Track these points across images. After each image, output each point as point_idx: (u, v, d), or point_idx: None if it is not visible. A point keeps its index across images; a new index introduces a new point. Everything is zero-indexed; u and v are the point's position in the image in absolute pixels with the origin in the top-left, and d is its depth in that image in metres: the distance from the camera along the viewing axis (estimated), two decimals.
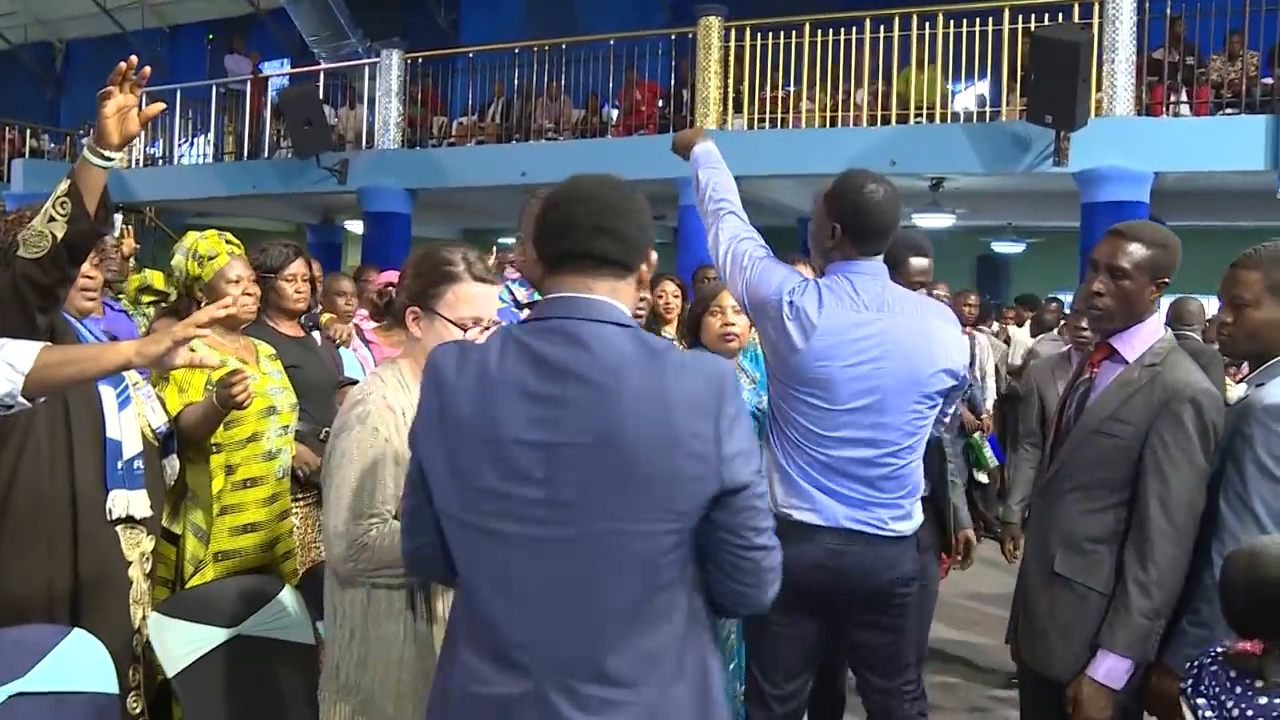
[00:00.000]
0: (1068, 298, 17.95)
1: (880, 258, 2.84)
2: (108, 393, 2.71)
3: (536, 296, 2.81)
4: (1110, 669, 2.48)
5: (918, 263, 3.58)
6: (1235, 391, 2.55)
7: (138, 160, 15.17)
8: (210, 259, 3.30)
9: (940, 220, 12.10)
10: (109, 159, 2.41)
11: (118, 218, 7.97)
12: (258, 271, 3.97)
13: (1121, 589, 2.48)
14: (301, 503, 3.68)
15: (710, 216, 3.01)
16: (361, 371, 5.25)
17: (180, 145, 15.32)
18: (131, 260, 6.29)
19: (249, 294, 3.37)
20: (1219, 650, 2.17)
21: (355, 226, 14.94)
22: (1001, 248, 16.54)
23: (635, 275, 1.77)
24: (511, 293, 2.82)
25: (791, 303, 2.73)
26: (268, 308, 4.00)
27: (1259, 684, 2.04)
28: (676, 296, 5.94)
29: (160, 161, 15.50)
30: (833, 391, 2.71)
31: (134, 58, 2.37)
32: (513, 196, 13.05)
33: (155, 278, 3.28)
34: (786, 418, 2.79)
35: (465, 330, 2.33)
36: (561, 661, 1.67)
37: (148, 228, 15.62)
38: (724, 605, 1.77)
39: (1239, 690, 2.06)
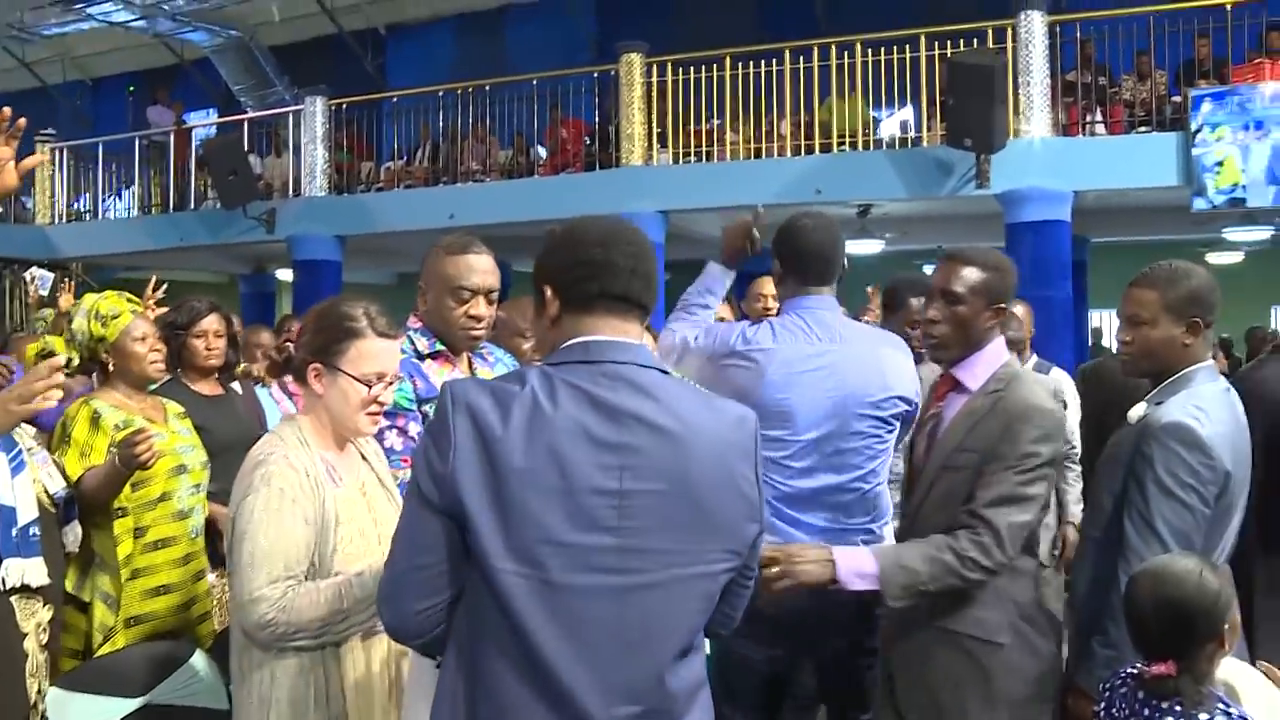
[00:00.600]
0: None
1: (829, 290, 2.91)
2: None
3: (439, 346, 2.78)
4: None
5: (917, 303, 3.71)
6: (1135, 411, 2.56)
7: (61, 215, 14.93)
8: (113, 318, 3.24)
9: (870, 246, 12.22)
10: None
11: (48, 276, 7.78)
12: (168, 329, 3.92)
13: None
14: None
15: (684, 310, 3.11)
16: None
17: (105, 199, 15.11)
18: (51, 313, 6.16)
19: (156, 350, 3.31)
20: (1129, 671, 2.17)
21: (288, 275, 14.78)
22: (930, 269, 16.72)
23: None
24: (413, 343, 2.78)
25: (744, 337, 2.83)
26: (182, 365, 3.94)
27: (1166, 704, 2.04)
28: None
29: (86, 215, 15.26)
30: (793, 423, 2.75)
31: (7, 109, 2.31)
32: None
33: (56, 343, 3.20)
34: None
35: (370, 386, 2.31)
36: (626, 695, 1.66)
37: (76, 283, 15.33)
38: (707, 628, 1.83)
39: (1147, 713, 2.06)
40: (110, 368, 3.26)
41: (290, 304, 14.21)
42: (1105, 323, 16.00)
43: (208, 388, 4.01)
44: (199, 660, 2.83)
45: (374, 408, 2.34)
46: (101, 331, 3.23)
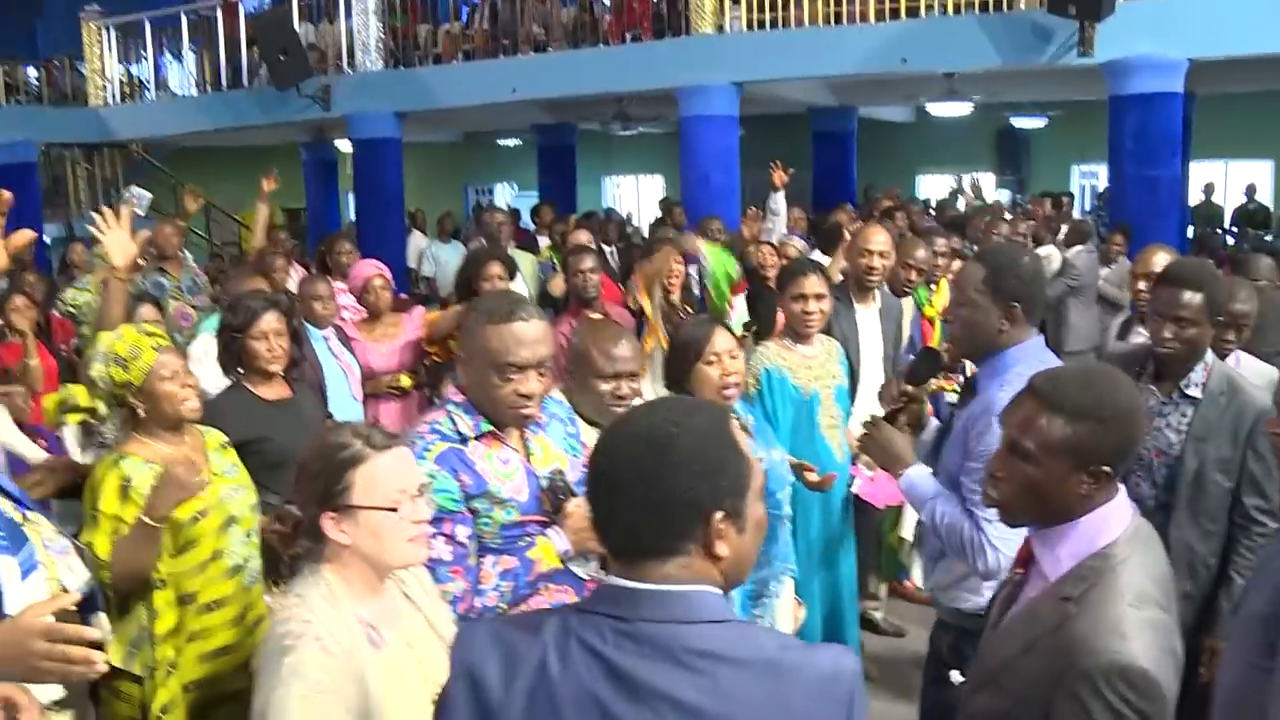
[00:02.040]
0: (1095, 178, 17.43)
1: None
2: (6, 563, 2.36)
3: (485, 426, 2.42)
4: None
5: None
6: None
7: (115, 96, 14.55)
8: (134, 359, 2.90)
9: (958, 109, 11.47)
10: None
11: (146, 195, 7.48)
12: (224, 331, 3.68)
13: None
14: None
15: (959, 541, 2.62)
16: (344, 378, 4.91)
17: (164, 68, 14.68)
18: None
19: (188, 386, 2.99)
20: None
21: (349, 146, 14.36)
22: (1021, 122, 15.80)
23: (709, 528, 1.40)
24: (454, 423, 2.42)
25: None
26: (244, 368, 3.68)
27: None
28: (679, 263, 5.54)
29: (141, 86, 14.88)
30: None
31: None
32: (509, 107, 12.52)
33: (79, 394, 2.90)
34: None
35: (398, 510, 1.97)
36: None
37: (136, 162, 15.11)
38: None
39: None
40: (141, 412, 2.95)
41: (352, 177, 13.77)
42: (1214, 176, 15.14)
43: (272, 391, 3.73)
44: None
45: (414, 530, 2.02)
46: (124, 376, 2.90)
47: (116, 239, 3.44)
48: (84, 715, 2.54)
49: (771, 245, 6.78)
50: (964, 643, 2.63)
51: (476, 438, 2.42)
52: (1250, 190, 14.40)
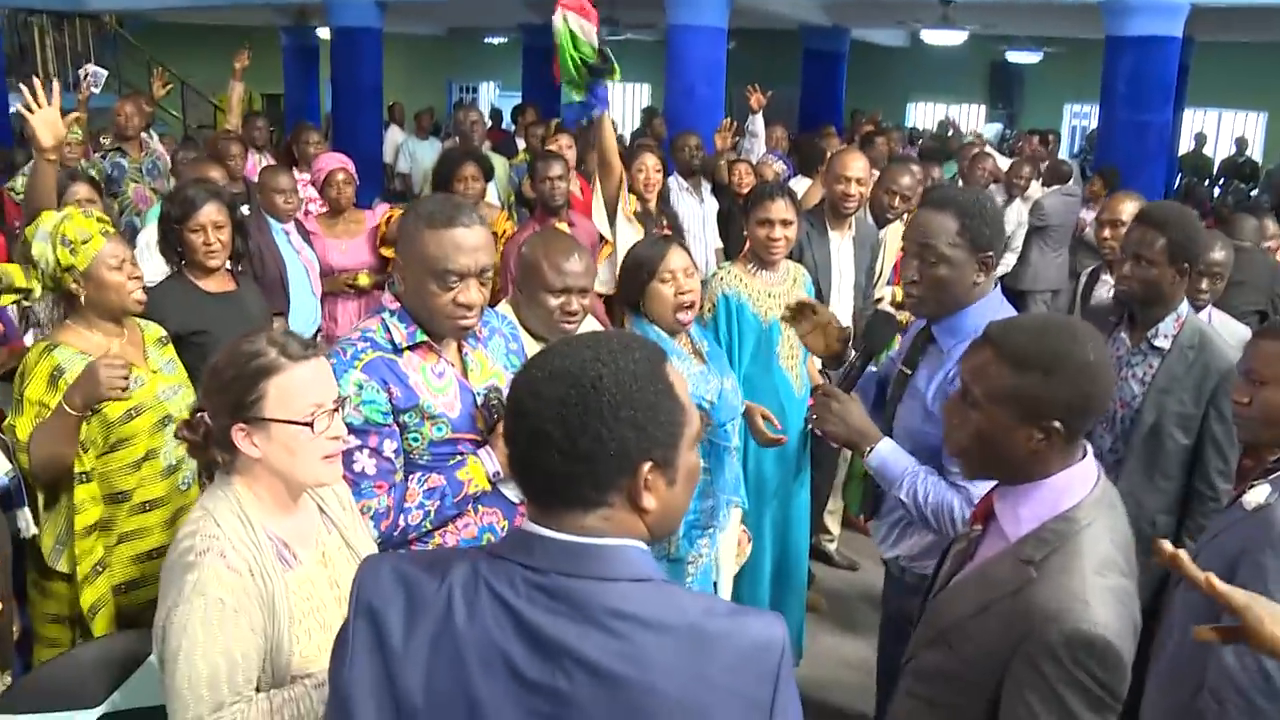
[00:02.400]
0: (1087, 119, 17.19)
1: None
2: None
3: (420, 337, 2.32)
4: None
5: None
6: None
7: None
8: (83, 243, 2.76)
9: (953, 37, 11.22)
10: None
11: (101, 73, 7.15)
12: (165, 222, 3.56)
13: None
14: None
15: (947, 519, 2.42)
16: (305, 274, 4.76)
17: None
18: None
19: (135, 278, 2.86)
20: None
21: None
22: (1016, 57, 15.52)
23: (636, 480, 1.29)
24: (388, 331, 2.31)
25: None
26: (186, 260, 3.58)
27: None
28: (658, 171, 5.40)
29: None
30: None
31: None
32: (495, 1, 12.13)
33: (14, 273, 2.74)
34: None
35: (312, 426, 1.87)
36: None
37: (108, 35, 14.65)
38: None
39: None
40: (82, 299, 2.81)
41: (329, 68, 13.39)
42: (1207, 125, 14.97)
43: (214, 284, 3.60)
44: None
45: (329, 447, 1.92)
46: (70, 259, 2.75)
47: (44, 118, 3.28)
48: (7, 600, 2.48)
49: (748, 164, 6.62)
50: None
51: (410, 348, 2.31)
52: (1240, 144, 14.30)
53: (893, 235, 5.01)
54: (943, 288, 2.48)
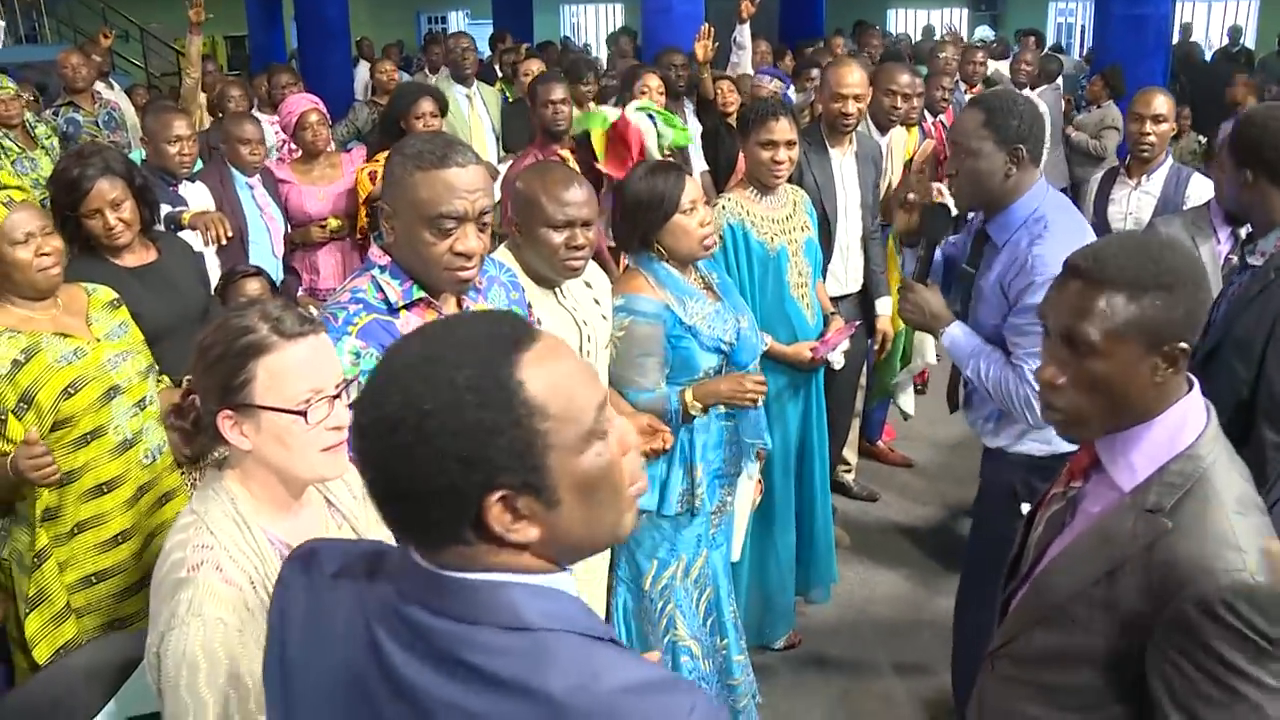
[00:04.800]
0: (1072, 15, 16.76)
1: None
2: None
3: (417, 293, 2.08)
4: None
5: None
6: None
7: None
8: None
9: None
10: None
11: None
12: (58, 211, 3.06)
13: None
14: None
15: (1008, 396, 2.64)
16: (266, 233, 4.47)
17: None
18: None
19: (46, 254, 2.56)
20: None
21: None
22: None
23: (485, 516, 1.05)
24: (381, 290, 2.07)
25: None
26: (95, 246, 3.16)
27: None
28: (662, 94, 5.07)
29: None
30: None
31: None
32: None
33: None
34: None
35: (306, 415, 1.64)
36: None
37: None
38: None
39: None
40: None
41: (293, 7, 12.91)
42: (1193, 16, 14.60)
43: (133, 258, 3.19)
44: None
45: (329, 438, 1.69)
46: None
47: None
48: None
49: (730, 80, 6.29)
50: (1034, 478, 2.62)
51: (407, 306, 2.06)
52: (1234, 33, 13.96)
53: (897, 140, 4.76)
54: (975, 180, 2.64)
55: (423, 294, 2.08)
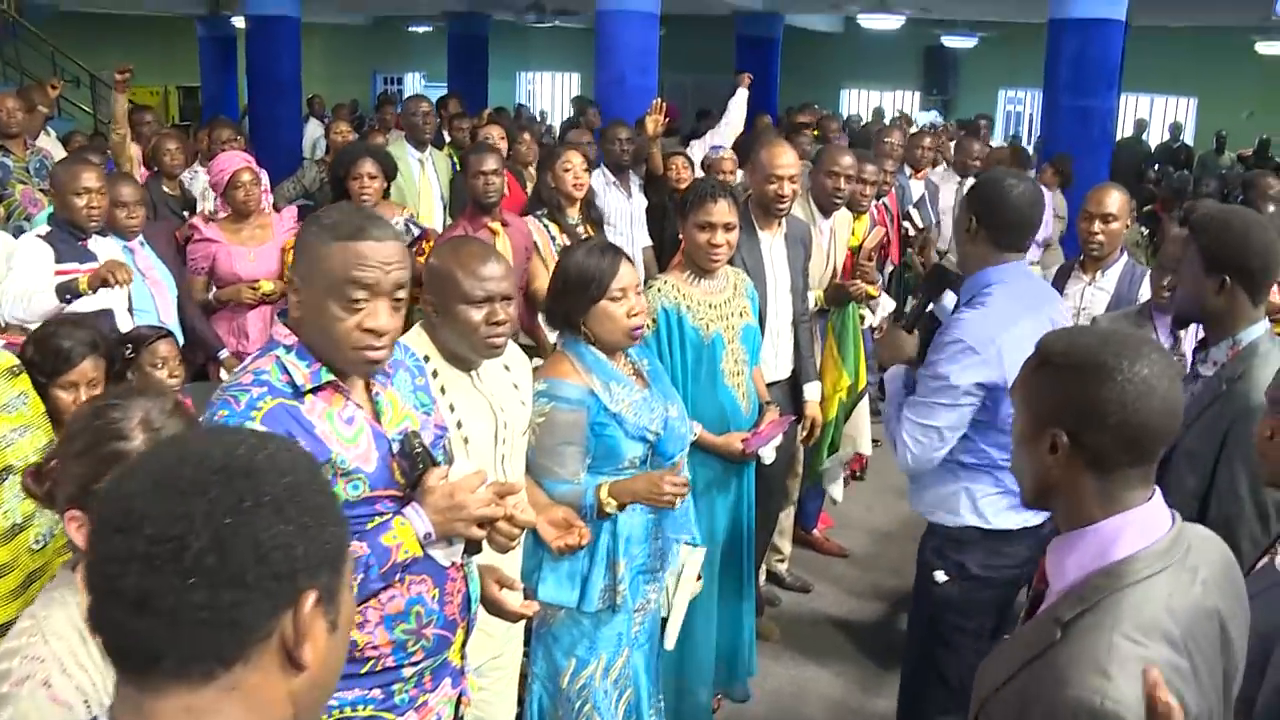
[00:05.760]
0: (1021, 104, 17.13)
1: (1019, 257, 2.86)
2: None
3: (326, 376, 1.94)
4: None
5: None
6: None
7: None
8: None
9: (889, 22, 11.00)
10: None
11: None
12: (32, 371, 2.74)
13: None
14: None
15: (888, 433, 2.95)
16: (150, 299, 4.20)
17: None
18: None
19: None
20: None
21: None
22: (951, 41, 15.35)
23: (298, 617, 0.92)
24: (286, 372, 1.94)
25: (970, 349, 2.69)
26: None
27: None
28: (586, 171, 4.98)
29: None
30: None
31: None
32: None
33: None
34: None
35: None
36: None
37: (7, 24, 13.90)
38: None
39: None
40: None
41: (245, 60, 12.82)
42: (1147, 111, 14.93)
43: None
44: None
45: None
46: None
47: None
48: None
49: (686, 158, 6.24)
50: (946, 546, 2.87)
51: (313, 390, 1.93)
52: (1175, 129, 14.31)
53: (841, 223, 4.69)
54: (960, 247, 2.96)
55: (331, 377, 1.94)
